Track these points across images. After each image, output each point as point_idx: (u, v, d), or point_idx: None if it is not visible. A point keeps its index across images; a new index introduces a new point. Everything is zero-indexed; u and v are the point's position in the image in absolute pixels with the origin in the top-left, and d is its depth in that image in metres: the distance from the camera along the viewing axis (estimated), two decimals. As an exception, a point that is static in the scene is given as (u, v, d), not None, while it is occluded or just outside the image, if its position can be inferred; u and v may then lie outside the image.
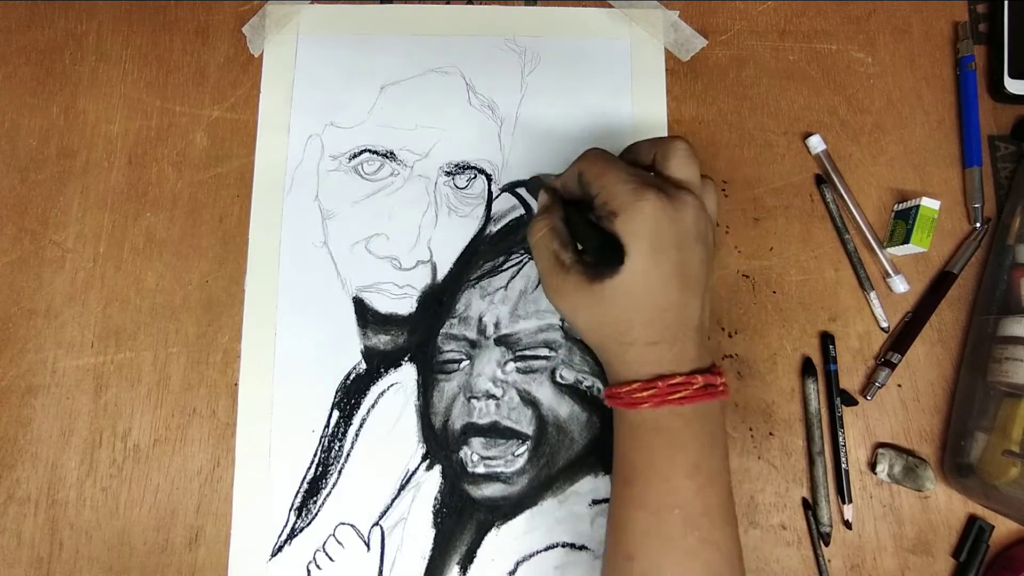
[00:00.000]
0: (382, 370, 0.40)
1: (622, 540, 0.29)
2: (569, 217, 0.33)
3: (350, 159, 0.42)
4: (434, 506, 0.38)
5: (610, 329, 0.30)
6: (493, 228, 0.42)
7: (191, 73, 0.44)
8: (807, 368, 0.40)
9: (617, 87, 0.43)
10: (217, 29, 0.44)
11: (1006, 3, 0.43)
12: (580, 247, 0.32)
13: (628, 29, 0.44)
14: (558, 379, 0.40)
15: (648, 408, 0.29)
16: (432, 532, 0.38)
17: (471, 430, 0.39)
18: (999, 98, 0.43)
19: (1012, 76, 0.42)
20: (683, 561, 0.28)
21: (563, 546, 0.38)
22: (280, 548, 0.38)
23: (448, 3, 0.44)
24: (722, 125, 0.43)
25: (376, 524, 0.38)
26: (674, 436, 0.29)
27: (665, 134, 0.43)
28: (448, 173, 0.42)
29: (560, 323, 0.40)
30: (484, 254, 0.41)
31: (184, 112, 0.43)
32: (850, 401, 0.40)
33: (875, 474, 0.39)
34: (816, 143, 0.42)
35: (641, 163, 0.33)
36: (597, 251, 0.30)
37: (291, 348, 0.40)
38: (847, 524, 0.38)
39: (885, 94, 0.43)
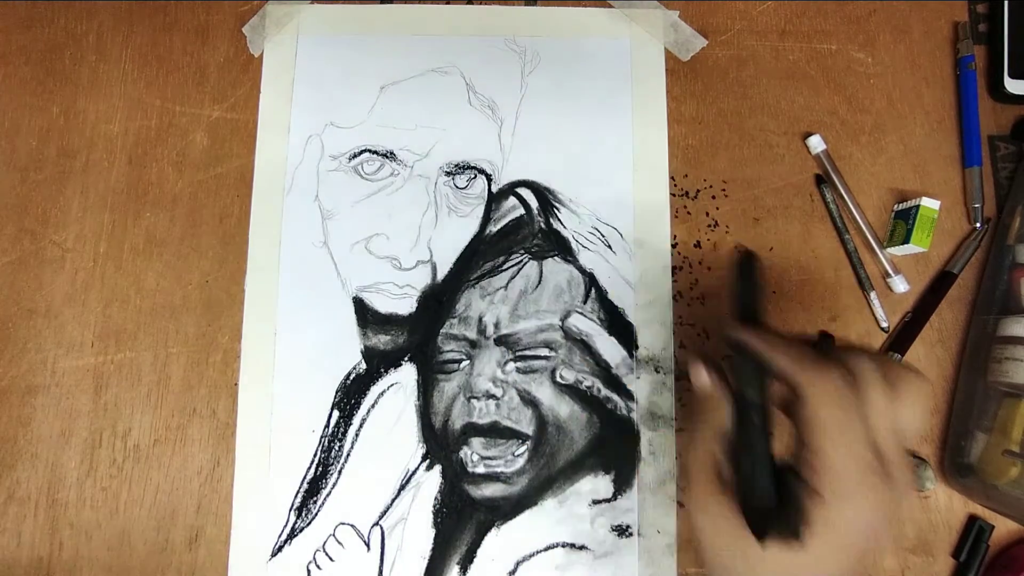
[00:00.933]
0: (382, 370, 0.40)
1: None
2: (738, 454, 0.25)
3: (350, 159, 0.42)
4: (434, 506, 0.38)
5: None
6: (493, 228, 0.42)
7: (191, 73, 0.44)
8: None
9: (617, 87, 0.43)
10: (217, 29, 0.44)
11: (1006, 3, 0.43)
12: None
13: (628, 29, 0.44)
14: (558, 379, 0.40)
15: None
16: (432, 532, 0.38)
17: (471, 430, 0.39)
18: (999, 98, 0.43)
19: (1012, 76, 0.42)
20: None
21: (563, 546, 0.38)
22: (280, 548, 0.38)
23: (448, 3, 0.44)
24: (722, 125, 0.43)
25: (376, 524, 0.38)
26: None
27: (665, 134, 0.42)
28: (448, 173, 0.42)
29: (560, 323, 0.40)
30: (484, 254, 0.41)
31: (184, 112, 0.43)
32: None
33: None
34: (816, 143, 0.42)
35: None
36: (785, 508, 0.24)
37: (291, 348, 0.40)
38: None
39: (885, 94, 0.43)
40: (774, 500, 0.24)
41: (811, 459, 0.24)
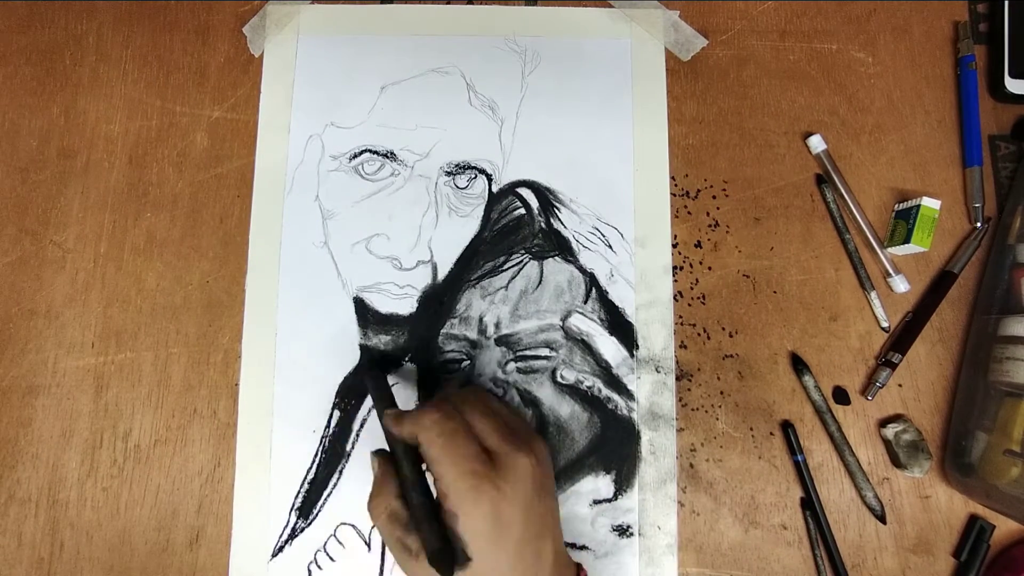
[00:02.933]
0: (383, 370, 0.40)
1: None
2: (406, 491, 0.31)
3: (350, 159, 0.42)
4: (435, 506, 0.38)
5: None
6: (494, 228, 0.42)
7: (191, 73, 0.44)
8: (797, 363, 0.40)
9: (617, 87, 0.43)
10: (217, 29, 0.44)
11: (1006, 3, 0.43)
12: None
13: (628, 29, 0.44)
14: (559, 379, 0.40)
15: None
16: (433, 532, 0.38)
17: (472, 430, 0.39)
18: (999, 98, 0.43)
19: (1012, 76, 0.42)
20: None
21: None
22: (281, 548, 0.38)
23: (448, 3, 0.44)
24: (722, 125, 0.43)
25: (377, 524, 0.38)
26: None
27: (665, 134, 0.43)
28: (448, 173, 0.42)
29: (561, 323, 0.40)
30: (484, 254, 0.41)
31: (184, 112, 0.43)
32: (844, 400, 0.40)
33: (882, 429, 0.39)
34: (816, 143, 0.42)
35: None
36: (437, 557, 0.29)
37: (292, 348, 0.40)
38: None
39: (885, 94, 0.43)
40: (440, 540, 0.29)
41: (442, 492, 0.29)
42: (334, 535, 0.38)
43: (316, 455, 0.39)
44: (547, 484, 0.31)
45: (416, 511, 0.30)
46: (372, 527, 0.38)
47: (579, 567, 0.32)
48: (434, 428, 0.30)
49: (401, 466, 0.31)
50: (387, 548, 0.32)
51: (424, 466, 0.31)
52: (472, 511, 0.29)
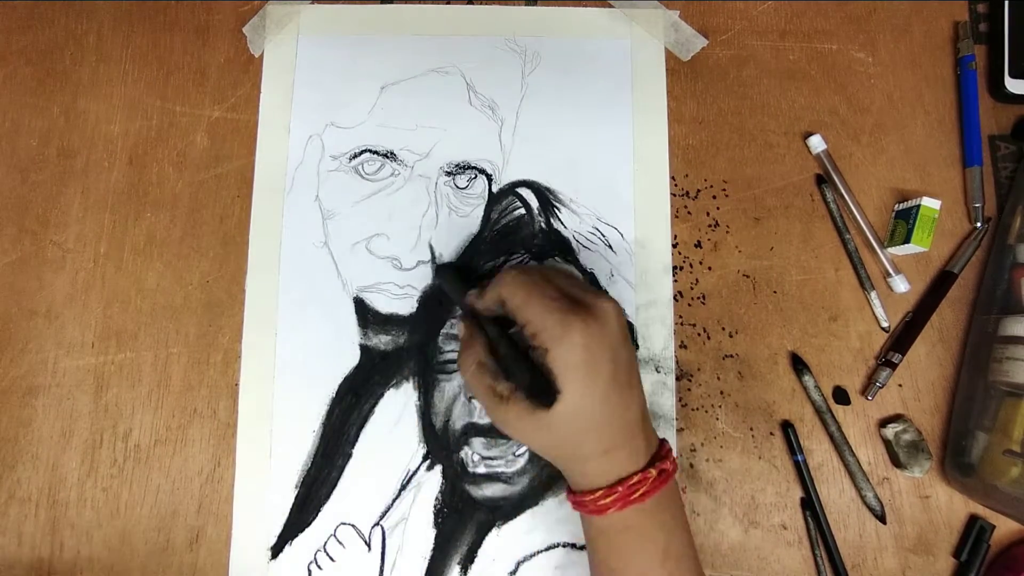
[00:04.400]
0: (383, 370, 0.39)
1: None
2: (495, 348, 0.33)
3: (350, 159, 0.42)
4: (435, 506, 0.38)
5: (563, 450, 0.31)
6: (494, 228, 0.41)
7: (191, 73, 0.43)
8: (797, 363, 0.40)
9: (617, 87, 0.43)
10: (217, 29, 0.44)
11: (1006, 3, 0.42)
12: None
13: (628, 29, 0.43)
14: (559, 379, 0.39)
15: (614, 511, 0.30)
16: (433, 532, 0.38)
17: (472, 430, 0.39)
18: (999, 98, 0.42)
19: (1012, 76, 0.42)
20: None
21: (564, 546, 0.38)
22: (281, 548, 0.38)
23: (448, 3, 0.44)
24: (722, 125, 0.43)
25: (377, 524, 0.38)
26: (642, 531, 0.30)
27: (665, 134, 0.42)
28: (448, 173, 0.42)
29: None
30: (484, 254, 0.41)
31: (184, 112, 0.43)
32: (844, 400, 0.40)
33: (882, 429, 0.39)
34: (816, 143, 0.42)
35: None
36: (530, 390, 0.30)
37: (292, 348, 0.40)
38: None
39: (885, 94, 0.43)
40: (527, 379, 0.31)
41: (532, 332, 0.30)
42: (334, 535, 0.38)
43: (316, 455, 0.38)
44: (628, 338, 0.31)
45: (506, 357, 0.31)
46: (373, 527, 0.38)
47: (664, 442, 0.32)
48: (516, 280, 0.31)
49: (487, 330, 0.33)
50: (477, 401, 0.33)
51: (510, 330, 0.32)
52: (563, 341, 0.29)
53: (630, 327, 0.40)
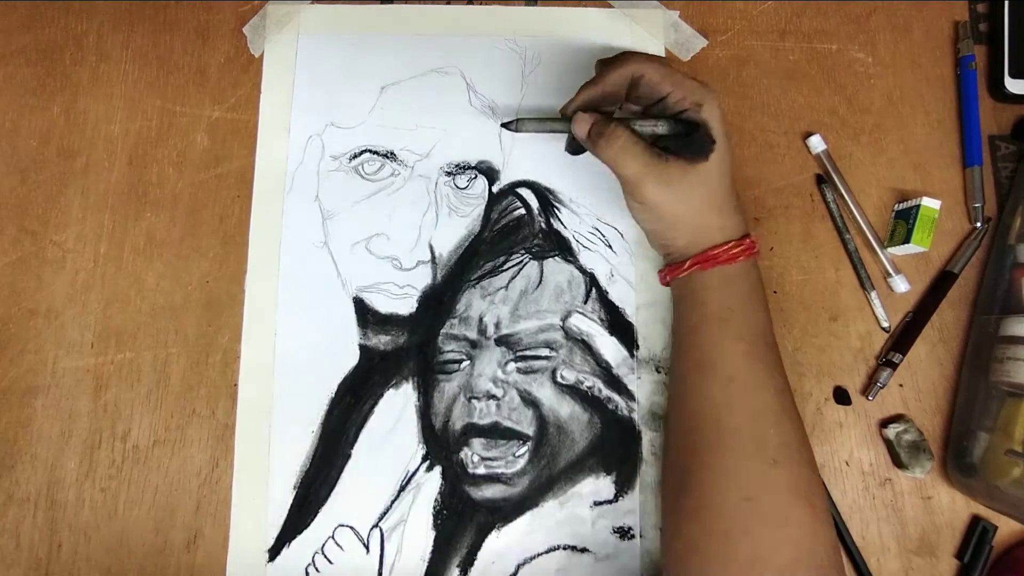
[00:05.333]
0: (382, 370, 0.38)
1: (720, 369, 0.32)
2: (628, 121, 0.34)
3: (350, 159, 0.41)
4: (434, 508, 0.37)
5: (714, 202, 0.33)
6: (494, 228, 0.40)
7: (191, 73, 0.42)
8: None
9: (617, 87, 0.42)
10: (217, 29, 0.43)
11: (1006, 3, 0.42)
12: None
13: (628, 29, 0.42)
14: (559, 379, 0.38)
15: (743, 260, 0.33)
16: (432, 534, 0.37)
17: (472, 431, 0.38)
18: (999, 98, 0.42)
19: (1012, 76, 0.41)
20: (772, 374, 0.32)
21: (564, 548, 0.37)
22: (279, 550, 0.36)
23: (448, 3, 0.43)
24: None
25: (375, 526, 0.37)
26: (752, 281, 0.34)
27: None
28: (448, 173, 0.41)
29: (561, 323, 0.39)
30: (484, 254, 0.40)
31: (184, 112, 0.42)
32: (845, 400, 0.39)
33: (883, 429, 0.38)
34: (816, 143, 0.41)
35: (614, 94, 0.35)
36: (689, 142, 0.33)
37: (291, 348, 0.39)
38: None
39: (885, 94, 0.42)
40: (680, 135, 0.34)
41: (682, 95, 0.33)
42: (332, 537, 0.37)
43: (315, 456, 0.37)
44: None
45: (657, 119, 0.34)
46: (371, 528, 0.37)
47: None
48: (644, 57, 0.33)
49: (619, 114, 0.35)
50: (627, 171, 0.33)
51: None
52: (712, 100, 0.32)
53: (630, 327, 0.39)
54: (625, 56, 0.33)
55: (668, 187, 0.32)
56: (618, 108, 0.37)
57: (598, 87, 0.34)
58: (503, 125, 0.36)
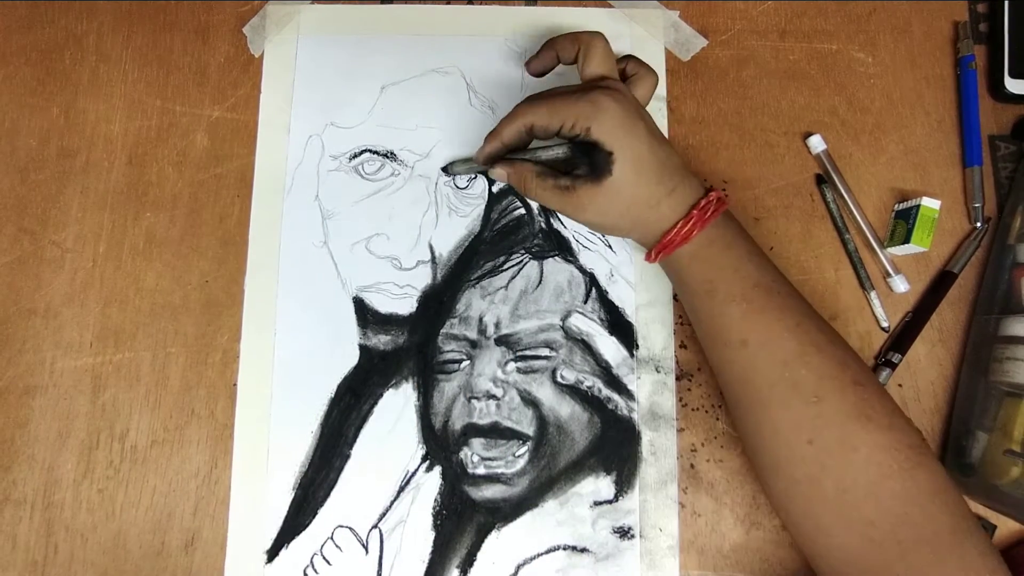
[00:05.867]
0: (382, 370, 0.38)
1: (729, 336, 0.32)
2: (537, 159, 0.35)
3: (350, 159, 0.40)
4: (434, 508, 0.36)
5: (637, 208, 0.33)
6: (494, 228, 0.40)
7: (191, 73, 0.42)
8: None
9: (617, 88, 0.41)
10: (217, 29, 0.42)
11: (1006, 3, 0.41)
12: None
13: (628, 29, 0.42)
14: (559, 379, 0.38)
15: (699, 232, 0.32)
16: (432, 535, 0.36)
17: (471, 431, 0.37)
18: (999, 98, 0.41)
19: (1012, 76, 0.40)
20: (782, 317, 0.31)
21: (564, 549, 0.36)
22: (277, 552, 0.36)
23: (448, 3, 0.42)
24: (722, 125, 0.41)
25: (375, 527, 0.36)
26: (726, 240, 0.32)
27: (666, 134, 0.41)
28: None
29: (561, 323, 0.38)
30: (484, 254, 0.39)
31: (184, 112, 0.41)
32: None
33: None
34: (816, 143, 0.40)
35: (565, 60, 0.36)
36: (591, 163, 0.33)
37: (291, 348, 0.38)
38: None
39: (885, 94, 0.41)
40: (583, 164, 0.33)
41: (571, 124, 0.32)
42: (331, 538, 0.36)
43: (314, 456, 0.37)
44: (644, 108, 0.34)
45: (553, 162, 0.34)
46: (370, 529, 0.36)
47: (711, 189, 0.33)
48: (530, 102, 0.33)
49: (522, 157, 0.35)
50: (550, 206, 0.35)
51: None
52: (597, 112, 0.31)
53: (630, 327, 0.39)
54: (517, 110, 0.33)
55: (585, 210, 0.33)
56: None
57: (497, 142, 0.34)
58: (442, 169, 0.40)
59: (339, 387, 0.38)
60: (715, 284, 0.32)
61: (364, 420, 0.37)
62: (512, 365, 0.38)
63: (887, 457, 0.29)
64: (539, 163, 0.34)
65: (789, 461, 0.30)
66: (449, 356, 0.38)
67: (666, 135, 0.41)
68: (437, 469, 0.37)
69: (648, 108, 0.41)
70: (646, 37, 0.42)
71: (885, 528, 0.28)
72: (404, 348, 0.38)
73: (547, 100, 0.33)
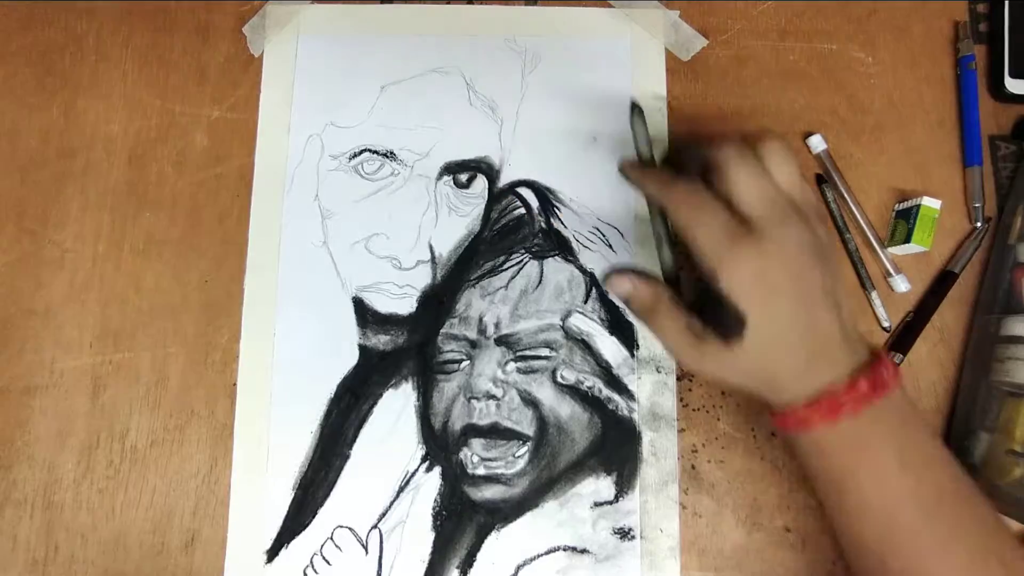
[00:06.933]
0: (381, 371, 0.37)
1: (863, 551, 0.27)
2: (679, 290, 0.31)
3: (350, 159, 0.39)
4: (433, 509, 0.35)
5: (761, 375, 0.28)
6: (493, 228, 0.39)
7: (191, 73, 0.41)
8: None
9: (617, 87, 0.40)
10: (217, 29, 0.41)
11: (1006, 3, 0.40)
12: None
13: (628, 29, 0.41)
14: (559, 379, 0.37)
15: (824, 425, 0.27)
16: (432, 535, 0.35)
17: (471, 431, 0.36)
18: (1000, 98, 0.40)
19: (1012, 76, 0.39)
20: (940, 549, 0.26)
21: (564, 550, 0.35)
22: (277, 552, 0.35)
23: (448, 3, 0.41)
24: (722, 125, 0.40)
25: (374, 527, 0.35)
26: (863, 441, 0.27)
27: (666, 138, 0.40)
28: (448, 172, 0.39)
29: (561, 323, 0.37)
30: (484, 254, 0.38)
31: (184, 112, 0.40)
32: None
33: None
34: (817, 143, 0.39)
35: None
36: (719, 323, 0.28)
37: (290, 348, 0.37)
38: None
39: (885, 94, 0.40)
40: (717, 310, 0.28)
41: (698, 254, 0.27)
42: (331, 538, 0.35)
43: (313, 457, 0.36)
44: (819, 253, 0.27)
45: (697, 298, 0.29)
46: (370, 530, 0.35)
47: (881, 353, 0.28)
48: (683, 192, 0.28)
49: (655, 223, 0.32)
50: (667, 341, 0.30)
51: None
52: (731, 265, 0.26)
53: (630, 327, 0.37)
54: (673, 190, 0.29)
55: (702, 366, 0.29)
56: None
57: (641, 182, 0.31)
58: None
59: (339, 387, 0.37)
60: (843, 491, 0.27)
61: (364, 420, 0.36)
62: (512, 365, 0.37)
63: None
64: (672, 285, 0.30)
65: None
66: (449, 356, 0.37)
67: (666, 135, 0.40)
68: (437, 469, 0.36)
69: (648, 108, 0.40)
70: (646, 37, 0.41)
71: None
72: (404, 348, 0.37)
73: (699, 207, 0.27)
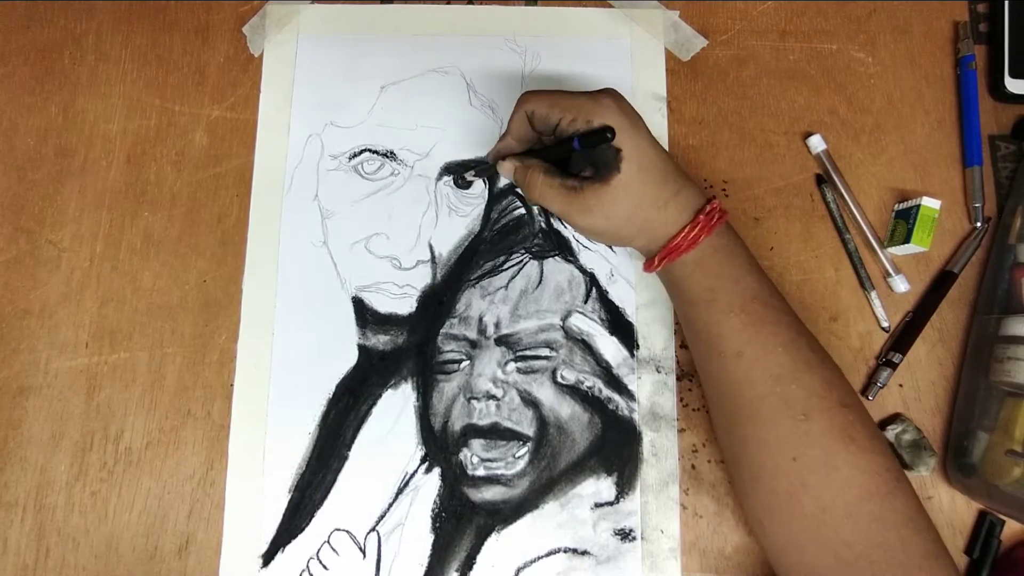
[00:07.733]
0: (381, 371, 0.35)
1: (725, 347, 0.30)
2: (545, 156, 0.33)
3: (350, 159, 0.38)
4: (433, 510, 0.34)
5: (645, 207, 0.31)
6: (493, 228, 0.37)
7: (191, 73, 0.40)
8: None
9: (617, 87, 0.38)
10: (217, 29, 0.40)
11: (1006, 3, 0.39)
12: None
13: (628, 29, 0.40)
14: (559, 379, 0.36)
15: (705, 238, 0.30)
16: (431, 538, 0.34)
17: (471, 431, 0.35)
18: (999, 98, 0.39)
19: (1012, 76, 0.39)
20: (778, 331, 0.30)
21: (565, 551, 0.34)
22: (273, 556, 0.34)
23: (448, 3, 0.40)
24: (722, 125, 0.39)
25: (372, 530, 0.34)
26: (728, 249, 0.31)
27: (665, 134, 0.39)
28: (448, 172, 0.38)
29: (561, 323, 0.36)
30: (484, 254, 0.37)
31: (184, 112, 0.39)
32: None
33: (883, 430, 0.35)
34: (816, 143, 0.38)
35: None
36: (597, 164, 0.31)
37: (289, 348, 0.36)
38: None
39: (885, 94, 0.39)
40: (587, 163, 0.32)
41: (572, 116, 0.30)
42: (328, 542, 0.34)
43: (311, 458, 0.34)
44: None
45: (560, 160, 0.32)
46: (368, 532, 0.34)
47: (712, 197, 0.32)
48: (532, 93, 0.32)
49: (531, 153, 0.33)
50: (554, 208, 0.32)
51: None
52: (600, 108, 0.30)
53: (630, 327, 0.36)
54: (520, 98, 0.32)
55: (591, 212, 0.31)
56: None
57: (508, 136, 0.34)
58: (451, 179, 0.38)
59: (337, 387, 0.35)
60: (716, 294, 0.30)
61: (362, 421, 0.35)
62: (512, 365, 0.36)
63: (867, 480, 0.28)
64: (548, 150, 0.32)
65: (772, 475, 0.29)
66: (449, 356, 0.36)
67: (666, 135, 0.39)
68: (436, 470, 0.35)
69: (648, 108, 0.39)
70: (646, 37, 0.40)
71: (859, 549, 0.27)
72: (403, 348, 0.36)
73: (550, 92, 0.32)
